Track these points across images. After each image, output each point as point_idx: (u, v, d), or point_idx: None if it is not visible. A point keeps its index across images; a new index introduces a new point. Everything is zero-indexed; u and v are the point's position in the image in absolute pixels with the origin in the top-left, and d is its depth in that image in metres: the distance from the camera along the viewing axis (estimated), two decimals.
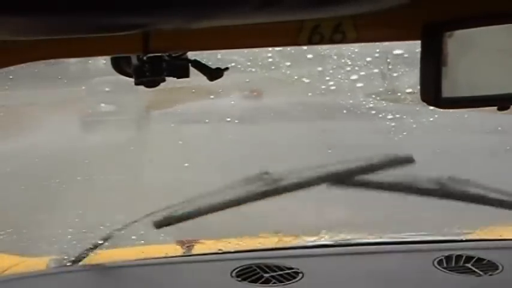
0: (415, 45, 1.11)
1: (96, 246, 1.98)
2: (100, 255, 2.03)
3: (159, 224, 1.83)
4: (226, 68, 1.23)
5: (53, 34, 0.85)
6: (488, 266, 1.87)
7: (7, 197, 5.05)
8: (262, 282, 1.80)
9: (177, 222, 1.84)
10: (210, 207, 1.81)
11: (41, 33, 0.84)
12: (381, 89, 8.66)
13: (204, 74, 1.22)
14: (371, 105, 8.22)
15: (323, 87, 7.35)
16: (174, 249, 2.10)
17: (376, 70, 7.75)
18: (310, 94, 8.16)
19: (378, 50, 6.29)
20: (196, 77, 1.22)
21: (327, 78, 7.26)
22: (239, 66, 6.95)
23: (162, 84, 1.20)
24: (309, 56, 6.01)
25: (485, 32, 1.07)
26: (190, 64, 1.21)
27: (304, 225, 2.80)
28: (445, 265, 1.88)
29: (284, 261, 1.89)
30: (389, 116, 7.43)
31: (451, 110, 1.14)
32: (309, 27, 1.09)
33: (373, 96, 8.81)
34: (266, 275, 1.83)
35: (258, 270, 1.85)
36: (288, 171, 1.85)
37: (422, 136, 6.94)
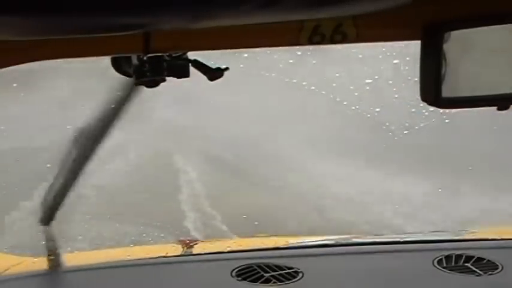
0: None
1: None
2: (100, 254, 2.03)
3: (45, 220, 1.86)
4: (227, 68, 1.23)
5: (53, 34, 0.85)
6: (488, 266, 1.87)
7: None
8: (262, 282, 1.80)
9: (56, 208, 1.83)
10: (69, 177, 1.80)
11: (41, 33, 0.84)
12: None
13: (204, 73, 1.22)
14: None
15: None
16: (174, 249, 2.10)
17: None
18: None
19: None
20: None
21: None
22: None
23: None
24: None
25: (485, 32, 1.07)
26: (190, 64, 1.21)
27: None
28: (445, 265, 1.88)
29: (284, 261, 1.89)
30: None
31: None
32: (310, 27, 1.09)
33: None
34: (266, 275, 1.83)
35: (258, 270, 1.85)
36: None
37: None
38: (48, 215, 1.85)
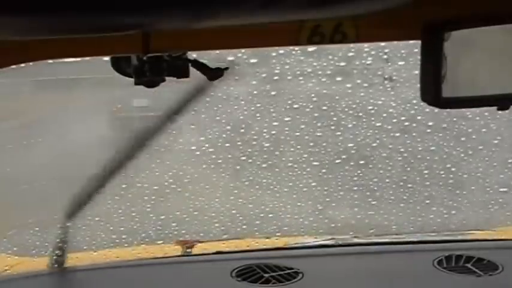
0: None
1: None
2: (100, 255, 2.03)
3: (70, 215, 1.88)
4: (227, 68, 1.22)
5: (53, 34, 0.85)
6: (488, 266, 1.87)
7: None
8: (262, 282, 1.80)
9: (85, 204, 1.88)
10: (102, 180, 1.84)
11: (41, 33, 0.84)
12: None
13: (204, 73, 1.22)
14: None
15: None
16: (174, 249, 2.11)
17: None
18: None
19: None
20: None
21: None
22: None
23: None
24: None
25: (485, 32, 1.07)
26: (190, 64, 1.21)
27: None
28: (445, 265, 1.88)
29: (284, 261, 1.89)
30: None
31: None
32: (310, 27, 1.09)
33: None
34: (266, 275, 1.83)
35: (258, 270, 1.85)
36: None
37: None
38: (74, 211, 1.88)
